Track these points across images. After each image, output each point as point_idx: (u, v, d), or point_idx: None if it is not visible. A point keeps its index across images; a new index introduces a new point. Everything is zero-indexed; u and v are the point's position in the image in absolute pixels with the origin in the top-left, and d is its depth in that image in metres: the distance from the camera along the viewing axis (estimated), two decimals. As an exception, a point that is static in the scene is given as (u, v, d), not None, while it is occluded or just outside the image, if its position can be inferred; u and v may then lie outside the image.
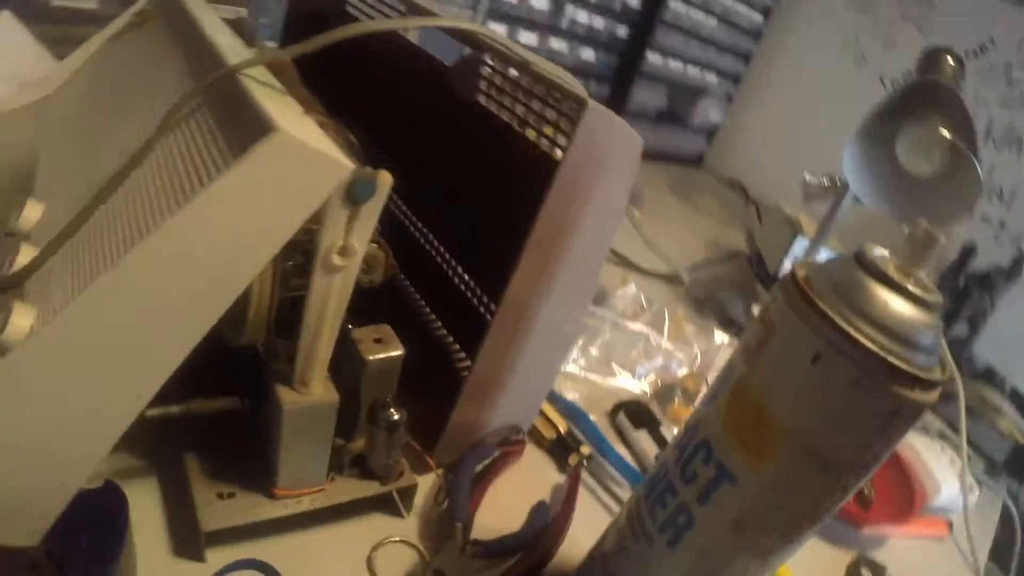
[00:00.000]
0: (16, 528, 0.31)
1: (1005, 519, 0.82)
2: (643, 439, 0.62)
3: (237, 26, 0.53)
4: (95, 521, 0.34)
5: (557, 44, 1.26)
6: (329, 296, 0.36)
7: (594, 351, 0.70)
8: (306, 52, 0.39)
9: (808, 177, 1.08)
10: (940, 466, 0.78)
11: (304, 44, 0.39)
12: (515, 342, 0.47)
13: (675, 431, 0.60)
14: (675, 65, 1.47)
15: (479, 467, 0.50)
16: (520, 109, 0.50)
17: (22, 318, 0.30)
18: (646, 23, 1.36)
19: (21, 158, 0.45)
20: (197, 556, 0.39)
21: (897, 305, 0.30)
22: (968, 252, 1.18)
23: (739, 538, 0.33)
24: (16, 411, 0.29)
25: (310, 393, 0.38)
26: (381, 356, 0.42)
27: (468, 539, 0.43)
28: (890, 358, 0.28)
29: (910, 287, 0.30)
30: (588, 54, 1.33)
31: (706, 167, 1.72)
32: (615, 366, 0.70)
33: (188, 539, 0.39)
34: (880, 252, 0.32)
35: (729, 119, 1.67)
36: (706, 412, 0.35)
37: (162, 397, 0.37)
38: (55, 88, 0.49)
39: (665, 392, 0.70)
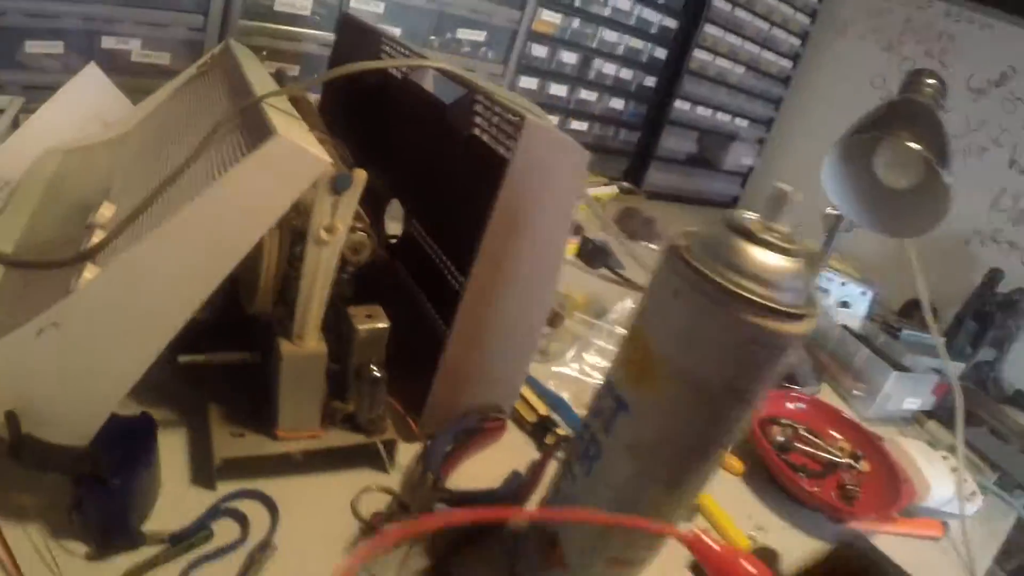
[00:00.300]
0: (68, 430, 0.41)
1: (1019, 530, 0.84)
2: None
3: (276, 76, 0.65)
4: (130, 439, 0.44)
5: (586, 94, 1.37)
6: (319, 265, 0.46)
7: (588, 356, 0.77)
8: (309, 88, 0.50)
9: (828, 211, 1.13)
10: (935, 469, 0.81)
11: (309, 80, 0.49)
12: (483, 324, 0.56)
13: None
14: (704, 112, 1.55)
15: (461, 437, 0.58)
16: (499, 134, 0.59)
17: (89, 273, 0.41)
18: (672, 73, 1.45)
19: (101, 180, 0.57)
20: (210, 484, 0.48)
21: (750, 250, 0.36)
22: (994, 277, 1.18)
23: (638, 465, 0.40)
24: (75, 338, 0.40)
25: (305, 346, 0.48)
26: (369, 327, 0.51)
27: (437, 487, 0.51)
28: (731, 286, 0.35)
29: (765, 236, 0.37)
30: (617, 103, 1.43)
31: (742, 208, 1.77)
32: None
33: (204, 471, 0.49)
34: (747, 214, 0.39)
35: (762, 162, 1.73)
36: (614, 359, 0.42)
37: (192, 350, 0.48)
38: (131, 126, 0.62)
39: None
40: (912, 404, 1.01)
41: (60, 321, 0.40)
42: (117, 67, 0.83)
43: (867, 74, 1.50)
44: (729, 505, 0.66)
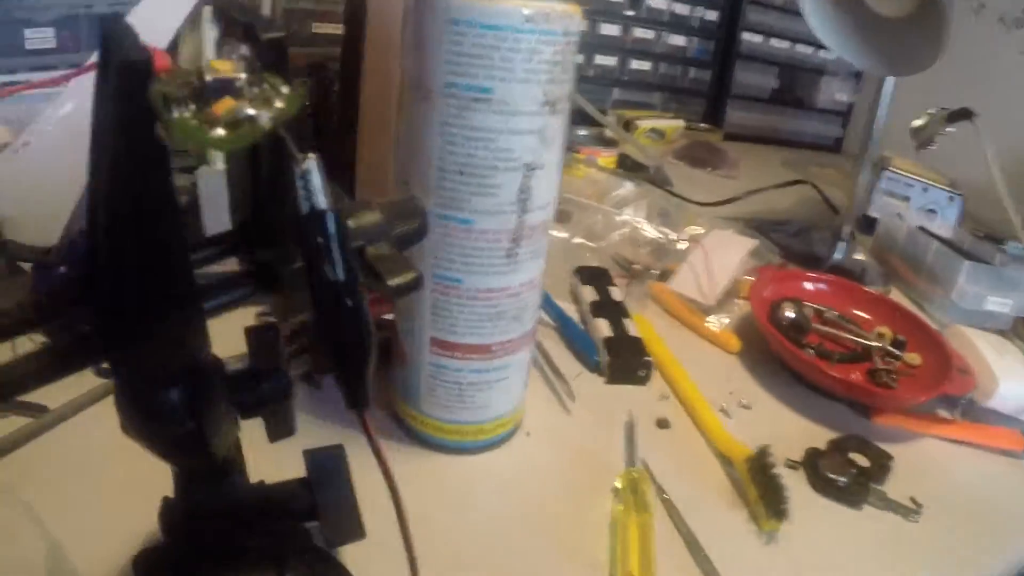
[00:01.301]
0: (37, 234, 0.51)
1: None
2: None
3: None
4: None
5: (642, 32, 1.34)
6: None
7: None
8: None
9: (914, 123, 1.03)
10: (1006, 362, 0.68)
11: None
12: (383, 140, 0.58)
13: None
14: (779, 44, 1.46)
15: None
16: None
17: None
18: (733, 3, 1.39)
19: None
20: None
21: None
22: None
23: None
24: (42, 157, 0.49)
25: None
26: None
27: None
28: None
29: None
30: (679, 40, 1.39)
31: (847, 151, 1.62)
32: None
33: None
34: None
35: (862, 98, 1.58)
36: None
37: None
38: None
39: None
40: (1000, 306, 0.86)
41: (30, 140, 0.49)
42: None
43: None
44: (712, 380, 0.61)
